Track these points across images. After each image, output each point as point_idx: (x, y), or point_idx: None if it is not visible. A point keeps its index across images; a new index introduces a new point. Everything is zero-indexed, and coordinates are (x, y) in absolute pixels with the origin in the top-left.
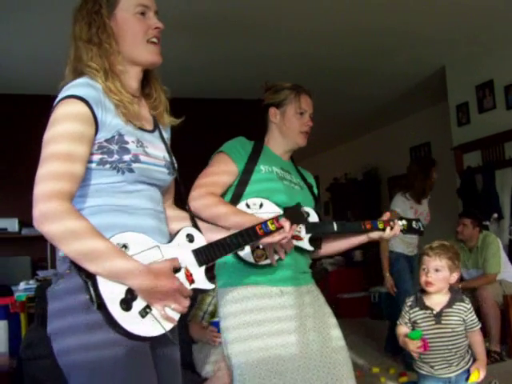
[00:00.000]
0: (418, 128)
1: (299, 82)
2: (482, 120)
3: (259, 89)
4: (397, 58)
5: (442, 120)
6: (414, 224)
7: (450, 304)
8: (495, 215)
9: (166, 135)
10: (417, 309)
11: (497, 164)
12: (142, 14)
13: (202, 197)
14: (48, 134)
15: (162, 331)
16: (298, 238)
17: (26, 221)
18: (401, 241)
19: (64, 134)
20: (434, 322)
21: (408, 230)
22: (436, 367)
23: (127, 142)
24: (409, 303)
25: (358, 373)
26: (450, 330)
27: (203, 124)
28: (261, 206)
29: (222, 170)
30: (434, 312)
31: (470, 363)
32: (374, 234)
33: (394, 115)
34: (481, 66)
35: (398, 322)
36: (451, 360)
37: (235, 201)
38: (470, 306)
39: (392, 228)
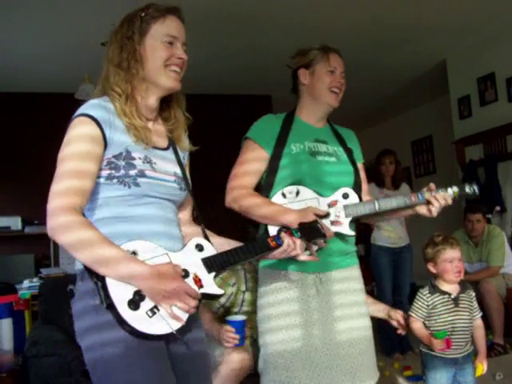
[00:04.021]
0: (420, 121)
1: None
2: (483, 113)
3: (261, 83)
4: (398, 51)
5: (444, 113)
6: (467, 189)
7: (463, 290)
8: (498, 208)
9: (182, 154)
10: (437, 294)
11: (499, 157)
12: (170, 43)
13: (238, 199)
14: (62, 153)
15: (169, 330)
16: (338, 222)
17: (29, 219)
18: (383, 230)
19: (75, 153)
20: (452, 306)
21: (461, 195)
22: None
23: (134, 158)
24: (425, 292)
25: None
26: (467, 313)
27: (201, 120)
28: (297, 193)
29: (251, 161)
30: (452, 296)
31: (471, 347)
32: (423, 209)
33: (395, 109)
34: (482, 59)
35: (411, 316)
36: (463, 341)
37: (266, 191)
38: (474, 294)
39: (443, 199)
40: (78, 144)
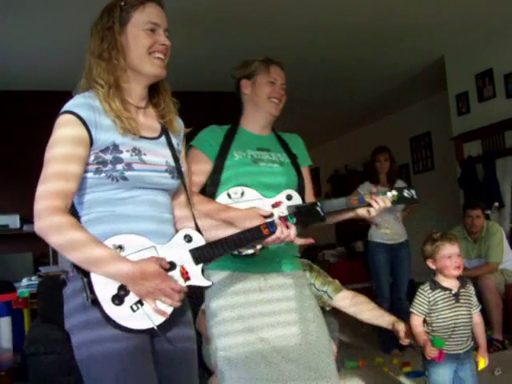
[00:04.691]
0: (418, 118)
1: (298, 72)
2: (481, 109)
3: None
4: (396, 48)
5: (442, 110)
6: (405, 193)
7: (463, 285)
8: (496, 204)
9: (176, 141)
10: (438, 290)
11: (497, 153)
12: (152, 30)
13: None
14: (48, 155)
15: (151, 325)
16: None
17: (28, 217)
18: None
19: (61, 156)
20: (453, 302)
21: (399, 199)
22: (451, 344)
23: (121, 152)
24: (426, 288)
25: (361, 363)
26: (467, 308)
27: (196, 117)
28: (242, 194)
29: (197, 170)
30: (453, 292)
31: (472, 342)
32: (362, 211)
33: (393, 105)
34: (480, 55)
35: (412, 312)
36: (465, 337)
37: (210, 197)
38: (473, 288)
39: (379, 202)
40: (64, 146)
